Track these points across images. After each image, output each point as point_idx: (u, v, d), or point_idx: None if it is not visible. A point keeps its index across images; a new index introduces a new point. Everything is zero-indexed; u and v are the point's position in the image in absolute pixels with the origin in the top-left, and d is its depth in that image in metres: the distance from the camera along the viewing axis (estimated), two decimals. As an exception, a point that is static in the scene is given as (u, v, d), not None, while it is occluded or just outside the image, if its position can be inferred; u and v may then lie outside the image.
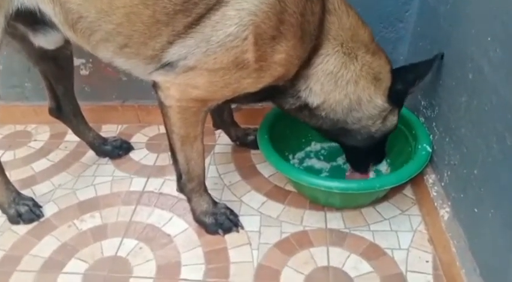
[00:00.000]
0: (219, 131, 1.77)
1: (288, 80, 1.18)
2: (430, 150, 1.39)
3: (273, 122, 1.57)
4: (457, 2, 1.24)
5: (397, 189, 1.52)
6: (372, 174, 1.55)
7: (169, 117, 1.19)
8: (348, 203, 1.46)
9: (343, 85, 1.20)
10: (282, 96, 1.24)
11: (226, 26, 1.02)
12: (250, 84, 1.12)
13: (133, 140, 1.82)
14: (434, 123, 1.42)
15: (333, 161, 1.66)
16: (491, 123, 1.04)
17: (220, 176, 1.62)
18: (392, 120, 1.33)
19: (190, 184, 1.35)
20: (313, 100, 1.22)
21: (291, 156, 1.67)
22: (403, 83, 1.27)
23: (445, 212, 1.28)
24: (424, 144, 1.41)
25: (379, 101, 1.25)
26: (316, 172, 1.61)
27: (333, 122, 1.27)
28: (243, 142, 1.72)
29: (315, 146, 1.73)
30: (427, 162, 1.38)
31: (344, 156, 1.57)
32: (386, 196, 1.50)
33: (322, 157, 1.68)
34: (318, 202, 1.47)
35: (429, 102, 1.45)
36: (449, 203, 1.28)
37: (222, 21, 1.02)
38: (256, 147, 1.63)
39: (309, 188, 1.37)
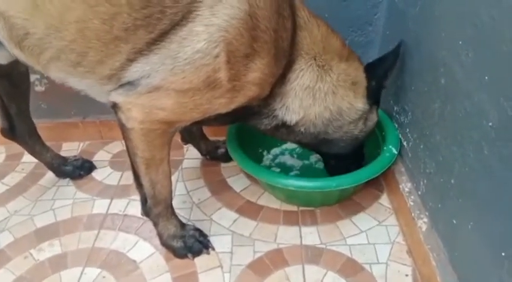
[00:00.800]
0: (188, 144, 1.68)
1: (262, 99, 1.12)
2: (396, 153, 1.36)
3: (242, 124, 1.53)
4: (425, 4, 1.19)
5: (372, 199, 1.47)
6: None
7: (132, 140, 1.09)
8: (310, 202, 1.43)
9: (321, 97, 1.16)
10: (256, 117, 1.18)
11: (194, 42, 0.94)
12: (223, 105, 1.04)
13: (96, 158, 1.72)
14: (408, 129, 1.37)
15: (305, 159, 1.64)
16: (466, 131, 0.99)
17: (188, 193, 1.53)
18: (373, 118, 1.31)
19: (156, 208, 1.26)
20: (291, 117, 1.17)
21: (265, 152, 1.65)
22: (376, 79, 1.25)
23: (422, 223, 1.23)
24: (390, 146, 1.38)
25: (360, 104, 1.23)
26: (286, 169, 1.59)
27: (313, 135, 1.23)
28: (213, 156, 1.64)
29: (291, 144, 1.66)
30: (390, 165, 1.35)
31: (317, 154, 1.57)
32: (362, 206, 1.44)
33: (296, 155, 1.66)
34: (283, 200, 1.47)
35: (402, 108, 1.40)
36: (426, 213, 1.23)
37: (189, 37, 0.94)
38: (227, 160, 1.56)
39: (268, 186, 1.38)
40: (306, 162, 1.63)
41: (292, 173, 1.58)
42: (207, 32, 0.94)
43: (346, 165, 1.37)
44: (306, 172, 1.59)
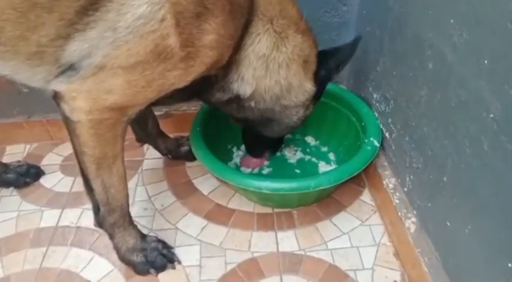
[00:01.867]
0: (145, 144, 1.51)
1: (220, 68, 0.98)
2: (378, 145, 1.24)
3: (209, 114, 1.40)
4: (408, -22, 1.05)
5: (353, 196, 1.35)
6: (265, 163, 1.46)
7: (79, 135, 0.93)
8: (286, 204, 1.31)
9: (275, 70, 1.03)
10: (209, 89, 1.05)
11: (134, 7, 0.80)
12: (179, 77, 0.89)
13: (44, 162, 1.53)
14: (390, 119, 1.24)
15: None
16: (461, 123, 0.86)
17: (150, 198, 1.37)
18: (310, 108, 1.19)
19: (111, 217, 1.10)
20: (245, 90, 1.04)
21: (235, 149, 1.51)
22: (325, 69, 1.14)
23: (411, 223, 1.11)
24: (371, 138, 1.25)
25: (309, 85, 1.12)
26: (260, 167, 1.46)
27: (260, 112, 1.11)
28: (176, 154, 1.47)
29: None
30: (373, 159, 1.23)
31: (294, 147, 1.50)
32: (342, 205, 1.32)
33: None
34: (256, 202, 1.33)
35: (382, 96, 1.28)
36: (414, 212, 1.12)
37: (128, 1, 0.80)
38: (192, 159, 1.41)
39: (239, 188, 1.25)
40: (279, 157, 1.49)
41: (264, 171, 1.44)
42: None
43: (263, 145, 1.36)
44: (279, 169, 1.45)
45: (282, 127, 1.21)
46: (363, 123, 1.32)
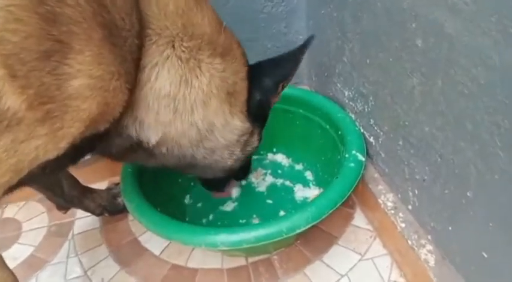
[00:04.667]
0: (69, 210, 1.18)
1: (118, 117, 0.66)
2: (363, 160, 0.95)
3: None
4: None
5: (343, 221, 1.07)
6: (235, 192, 1.17)
7: None
8: (259, 252, 1.02)
9: (186, 111, 0.74)
10: (105, 138, 0.71)
11: None
12: (43, 147, 0.58)
13: None
14: (372, 121, 0.97)
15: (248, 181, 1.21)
16: (484, 116, 0.60)
17: (86, 273, 1.05)
18: (253, 142, 0.91)
19: None
20: (149, 137, 0.75)
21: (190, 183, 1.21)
22: (261, 91, 0.85)
23: (427, 253, 0.84)
24: (353, 151, 0.97)
25: (238, 122, 0.83)
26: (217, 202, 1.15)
27: (178, 158, 0.83)
28: (113, 210, 1.15)
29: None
30: (359, 178, 0.93)
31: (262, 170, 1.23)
32: (332, 236, 1.04)
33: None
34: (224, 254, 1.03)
35: (357, 92, 1.01)
36: (429, 238, 0.85)
37: None
38: (135, 210, 1.09)
39: None
40: (244, 185, 1.20)
41: (228, 207, 1.14)
42: None
43: (222, 180, 1.03)
44: (246, 201, 1.15)
45: (217, 170, 0.91)
46: (339, 132, 1.04)
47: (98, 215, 1.15)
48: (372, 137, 0.99)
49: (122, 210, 1.14)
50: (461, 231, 0.74)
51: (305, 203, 1.10)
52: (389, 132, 0.90)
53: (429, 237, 0.84)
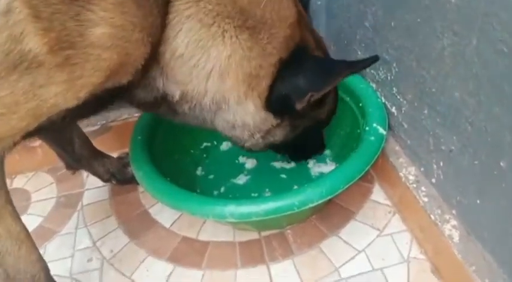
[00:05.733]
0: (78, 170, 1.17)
1: (139, 72, 0.66)
2: (384, 133, 0.90)
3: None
4: None
5: (361, 196, 1.02)
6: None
7: None
8: (272, 227, 0.97)
9: (200, 78, 0.70)
10: (128, 89, 0.70)
11: None
12: (63, 95, 0.59)
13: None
14: (395, 89, 0.91)
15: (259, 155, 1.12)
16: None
17: (95, 244, 1.02)
18: (276, 134, 0.84)
19: None
20: (173, 91, 0.73)
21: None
22: (288, 89, 0.76)
23: (451, 228, 0.79)
24: (374, 124, 0.91)
25: (251, 106, 0.77)
26: (231, 174, 1.09)
27: (199, 120, 0.80)
28: (122, 178, 1.12)
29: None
30: (379, 154, 0.87)
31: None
32: (349, 211, 1.00)
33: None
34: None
35: (380, 58, 0.94)
36: (454, 213, 0.80)
37: None
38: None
39: None
40: (261, 159, 1.12)
41: (240, 180, 1.09)
42: None
43: (296, 150, 0.98)
44: (260, 175, 1.10)
45: (244, 144, 0.85)
46: (360, 104, 0.98)
47: (105, 180, 1.12)
48: (394, 107, 0.93)
49: (130, 181, 1.10)
50: (491, 205, 0.69)
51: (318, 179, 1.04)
52: (414, 101, 0.85)
53: (454, 211, 0.79)
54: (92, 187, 1.16)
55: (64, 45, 0.55)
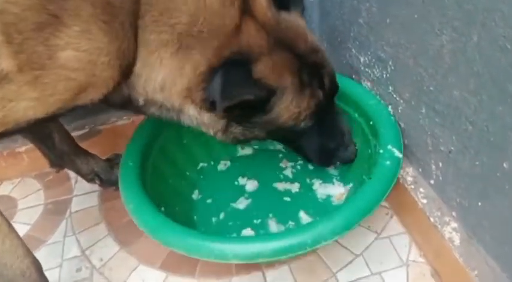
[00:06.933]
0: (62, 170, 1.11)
1: (114, 87, 0.71)
2: (400, 156, 0.83)
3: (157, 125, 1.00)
4: None
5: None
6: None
7: None
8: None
9: (150, 91, 0.78)
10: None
11: None
12: (33, 109, 0.65)
13: None
14: (391, 88, 0.89)
15: (263, 174, 1.06)
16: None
17: (84, 252, 0.99)
18: (235, 133, 0.85)
19: None
20: (137, 98, 0.79)
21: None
22: (209, 94, 0.76)
23: (451, 231, 0.77)
24: (389, 146, 0.83)
25: (193, 112, 0.81)
26: (231, 200, 1.01)
27: (170, 118, 0.84)
28: (106, 179, 1.09)
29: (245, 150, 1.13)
30: (395, 180, 0.80)
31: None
32: (346, 213, 0.96)
33: (248, 172, 1.07)
34: None
35: (374, 57, 0.92)
36: (453, 215, 0.77)
37: None
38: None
39: None
40: (263, 180, 1.05)
41: (240, 204, 1.00)
42: None
43: (319, 151, 0.92)
44: (260, 197, 1.01)
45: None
46: (371, 123, 0.92)
47: (89, 180, 1.09)
48: (390, 106, 0.91)
49: (115, 183, 1.06)
50: (493, 207, 0.67)
51: (329, 205, 0.96)
52: (411, 100, 0.82)
53: (454, 214, 0.77)
54: (81, 193, 1.13)
55: (34, 66, 0.61)
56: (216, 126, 0.83)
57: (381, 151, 0.83)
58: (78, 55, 0.64)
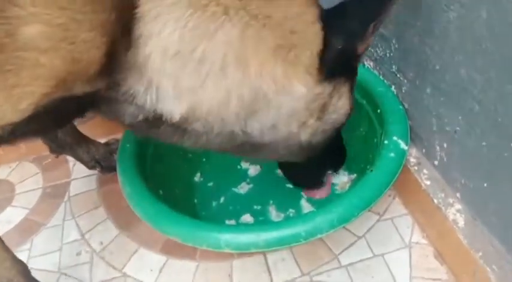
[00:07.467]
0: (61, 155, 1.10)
1: (99, 78, 0.52)
2: (406, 148, 0.79)
3: None
4: None
5: (360, 179, 0.98)
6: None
7: None
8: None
9: (214, 74, 0.54)
10: (112, 102, 0.58)
11: None
12: None
13: None
14: (394, 67, 0.87)
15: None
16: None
17: (83, 236, 0.98)
18: (340, 106, 0.70)
19: None
20: (171, 108, 0.57)
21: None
22: (343, 38, 0.62)
23: (456, 213, 0.76)
24: (395, 138, 0.80)
25: (300, 87, 0.61)
26: (231, 183, 1.00)
27: (223, 138, 0.63)
28: (108, 166, 1.07)
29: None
30: (398, 173, 0.77)
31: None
32: (348, 195, 0.96)
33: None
34: None
35: (377, 35, 0.89)
36: (458, 196, 0.76)
37: None
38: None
39: None
40: (266, 166, 1.02)
41: (242, 189, 0.99)
42: None
43: (312, 170, 0.88)
44: (263, 183, 1.00)
45: (293, 149, 0.71)
46: (378, 111, 0.88)
47: (90, 167, 1.07)
48: (393, 86, 0.89)
49: (115, 169, 1.05)
50: (499, 188, 0.65)
51: (331, 194, 0.93)
52: (415, 79, 0.80)
53: (458, 195, 0.76)
54: (79, 176, 1.11)
55: None
56: (315, 106, 0.65)
57: (386, 142, 0.80)
58: (48, 31, 0.46)
